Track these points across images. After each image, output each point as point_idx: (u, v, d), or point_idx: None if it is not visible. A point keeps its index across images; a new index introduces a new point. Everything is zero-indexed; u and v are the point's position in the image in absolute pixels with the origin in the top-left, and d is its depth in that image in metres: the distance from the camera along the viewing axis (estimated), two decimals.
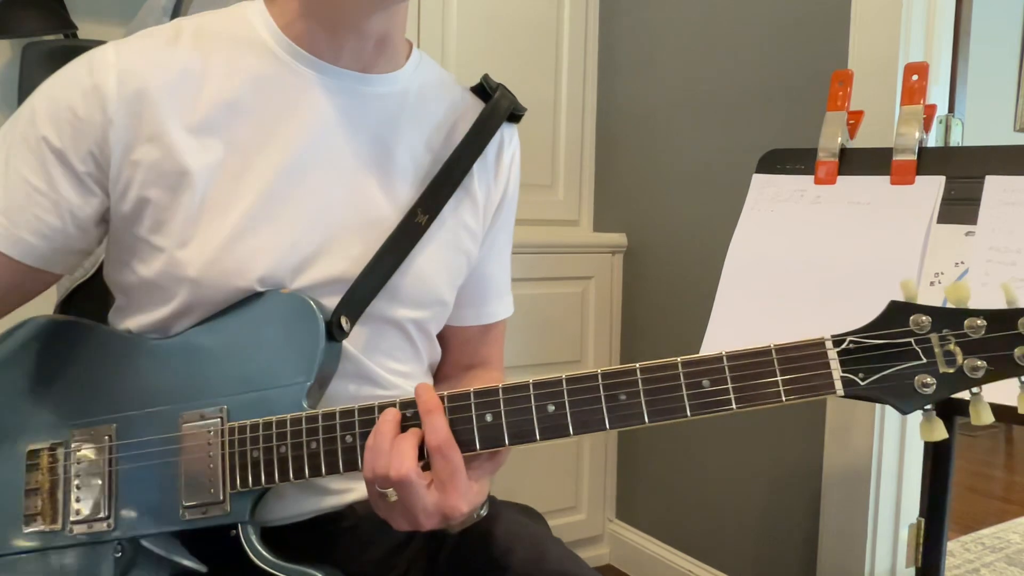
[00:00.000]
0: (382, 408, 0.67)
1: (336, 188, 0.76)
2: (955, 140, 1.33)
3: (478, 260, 0.88)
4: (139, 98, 0.71)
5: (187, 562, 0.70)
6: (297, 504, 0.77)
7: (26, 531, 0.73)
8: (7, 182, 0.71)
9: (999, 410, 0.61)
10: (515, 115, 0.86)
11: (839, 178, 1.11)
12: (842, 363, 0.60)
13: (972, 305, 0.60)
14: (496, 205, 0.88)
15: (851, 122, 1.14)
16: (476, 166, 0.83)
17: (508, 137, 0.88)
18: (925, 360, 0.59)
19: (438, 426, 0.64)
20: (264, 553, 0.69)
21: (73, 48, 1.35)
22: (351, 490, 0.79)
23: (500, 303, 0.93)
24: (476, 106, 0.86)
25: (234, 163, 0.73)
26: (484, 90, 0.87)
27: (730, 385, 0.61)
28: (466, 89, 0.88)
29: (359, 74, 0.78)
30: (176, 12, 1.21)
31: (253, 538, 0.69)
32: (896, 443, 1.47)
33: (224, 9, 0.78)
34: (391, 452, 0.63)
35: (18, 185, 0.71)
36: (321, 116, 0.76)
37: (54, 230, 0.72)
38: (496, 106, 0.84)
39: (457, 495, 0.64)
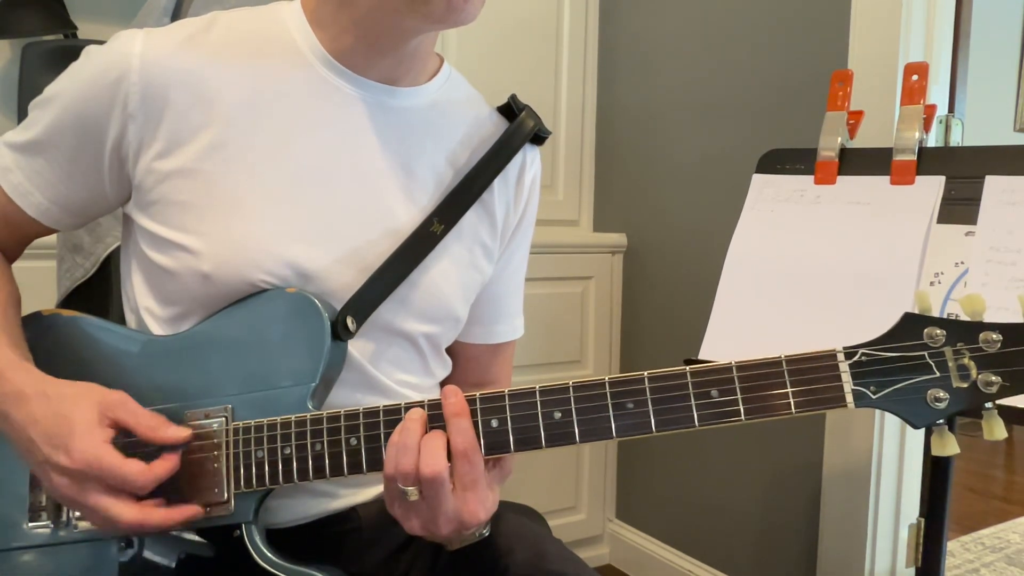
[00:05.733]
0: (387, 411, 0.67)
1: (355, 197, 0.76)
2: (955, 140, 1.33)
3: (491, 278, 0.87)
4: (162, 95, 0.71)
5: (193, 538, 0.70)
6: (302, 507, 0.77)
7: (31, 526, 0.73)
8: (41, 163, 0.75)
9: (1006, 412, 0.60)
10: (539, 136, 0.86)
11: (839, 178, 1.11)
12: (853, 376, 0.59)
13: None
14: (514, 226, 0.88)
15: (851, 122, 1.14)
16: (496, 183, 0.83)
17: (531, 159, 0.88)
18: (938, 374, 0.58)
19: (465, 429, 0.64)
20: (267, 553, 0.69)
21: (73, 48, 1.35)
22: (355, 494, 0.79)
23: (510, 324, 0.93)
24: (501, 124, 0.85)
25: (253, 166, 0.73)
26: (511, 109, 0.86)
27: (739, 396, 0.61)
28: (493, 108, 0.87)
29: (386, 86, 0.78)
30: (176, 12, 1.21)
31: (257, 538, 0.69)
32: (896, 443, 1.47)
33: (261, 7, 0.79)
34: (422, 449, 0.63)
35: (48, 167, 0.75)
36: (345, 126, 0.76)
37: (83, 206, 0.78)
38: (521, 125, 0.84)
39: (477, 501, 0.64)
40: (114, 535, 0.71)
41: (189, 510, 0.67)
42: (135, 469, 0.64)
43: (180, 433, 0.68)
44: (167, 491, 0.69)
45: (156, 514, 0.66)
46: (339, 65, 0.76)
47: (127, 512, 0.65)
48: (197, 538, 0.71)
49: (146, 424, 0.67)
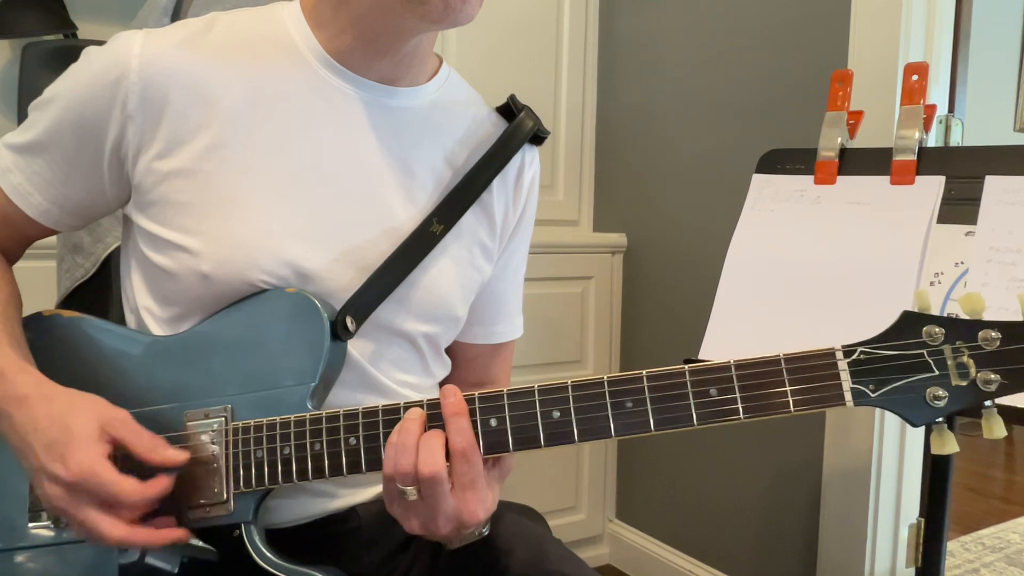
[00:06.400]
0: (386, 411, 0.67)
1: (354, 197, 0.76)
2: (955, 140, 1.33)
3: (491, 278, 0.87)
4: (161, 95, 0.71)
5: (200, 543, 0.70)
6: (302, 507, 0.77)
7: (31, 526, 0.73)
8: (41, 164, 0.75)
9: (1005, 411, 0.60)
10: (538, 136, 0.86)
11: (839, 178, 1.11)
12: (852, 374, 0.59)
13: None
14: (513, 225, 0.88)
15: (851, 122, 1.14)
16: (496, 183, 0.83)
17: (530, 159, 0.88)
18: (937, 372, 0.58)
19: (463, 429, 0.64)
20: (267, 553, 0.69)
21: (73, 48, 1.35)
22: (354, 493, 0.79)
23: (510, 324, 0.93)
24: (500, 125, 0.86)
25: (253, 166, 0.73)
26: (510, 109, 0.86)
27: (738, 394, 0.61)
28: (492, 108, 0.87)
29: (385, 86, 0.78)
30: (176, 12, 1.21)
31: (256, 538, 0.69)
32: (896, 443, 1.47)
33: (261, 8, 0.79)
34: (420, 448, 0.63)
35: (47, 168, 0.75)
36: (344, 126, 0.76)
37: (83, 207, 0.78)
38: (520, 125, 0.84)
39: (476, 500, 0.64)
40: (99, 546, 0.71)
41: (175, 532, 0.67)
42: (129, 487, 0.64)
43: (177, 456, 0.68)
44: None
45: (141, 534, 0.65)
46: (338, 65, 0.76)
47: (114, 530, 0.64)
48: (197, 538, 0.71)
49: (145, 445, 0.67)
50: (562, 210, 2.13)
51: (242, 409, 0.71)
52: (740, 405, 0.61)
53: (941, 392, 0.58)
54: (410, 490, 0.63)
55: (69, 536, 0.72)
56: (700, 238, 1.85)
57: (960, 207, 1.00)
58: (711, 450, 1.83)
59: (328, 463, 0.67)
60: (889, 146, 1.08)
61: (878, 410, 1.45)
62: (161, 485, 0.66)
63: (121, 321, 0.80)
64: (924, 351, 0.59)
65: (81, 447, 0.64)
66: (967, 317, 0.59)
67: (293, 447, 0.68)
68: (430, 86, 0.82)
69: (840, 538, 1.52)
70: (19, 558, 0.73)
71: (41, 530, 0.73)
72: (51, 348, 0.76)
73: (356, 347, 0.76)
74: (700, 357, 1.10)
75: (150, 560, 0.70)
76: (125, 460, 0.66)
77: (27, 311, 0.79)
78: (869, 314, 1.00)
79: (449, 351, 0.89)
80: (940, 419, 0.59)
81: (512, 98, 0.86)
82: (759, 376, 0.61)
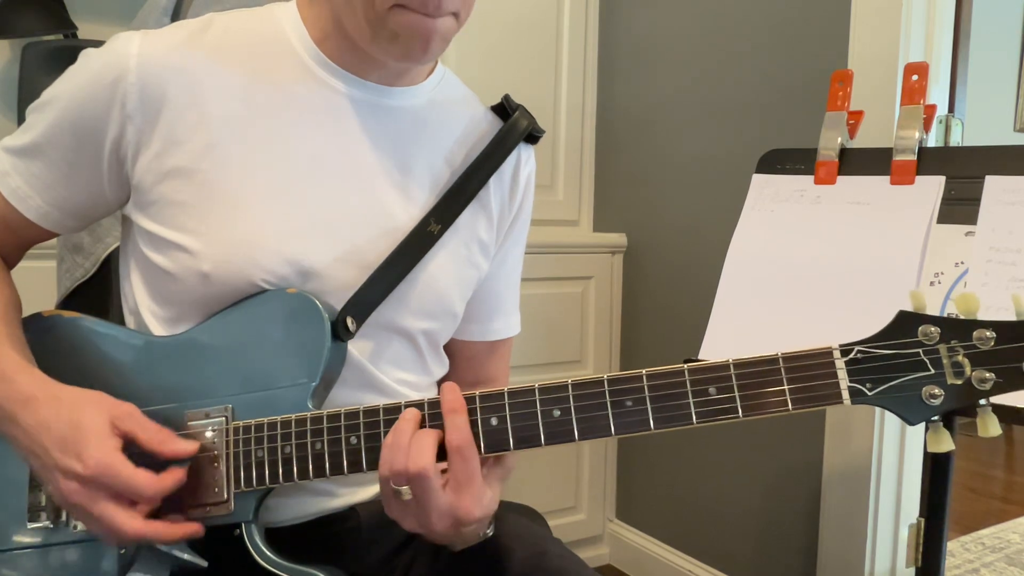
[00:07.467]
0: (387, 410, 0.67)
1: (353, 196, 0.76)
2: (955, 140, 1.33)
3: (487, 275, 0.88)
4: (159, 95, 0.71)
5: (187, 556, 0.70)
6: (301, 505, 0.77)
7: (30, 527, 0.73)
8: (40, 166, 0.75)
9: (1004, 411, 0.61)
10: (533, 136, 0.87)
11: (839, 178, 1.11)
12: (849, 373, 0.60)
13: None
14: (509, 223, 0.88)
15: (851, 122, 1.14)
16: (492, 181, 0.84)
17: (525, 158, 0.89)
18: (933, 371, 0.59)
19: (460, 425, 0.64)
20: (267, 553, 0.69)
21: (73, 48, 1.35)
22: (354, 492, 0.79)
23: (507, 321, 0.93)
24: (495, 124, 0.86)
25: (250, 165, 0.73)
26: (504, 109, 0.87)
27: (736, 393, 0.61)
28: (488, 108, 0.88)
29: (381, 87, 0.78)
30: (176, 12, 1.21)
31: (256, 538, 0.70)
32: (896, 443, 1.47)
33: (258, 9, 0.79)
34: (411, 446, 0.63)
35: (46, 170, 0.75)
36: (341, 125, 0.76)
37: (83, 209, 0.78)
38: (515, 125, 0.85)
39: (472, 498, 0.64)
40: (112, 544, 0.71)
41: (190, 527, 0.68)
42: (145, 479, 0.65)
43: (188, 447, 0.68)
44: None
45: (158, 527, 0.66)
46: (334, 65, 0.76)
47: (131, 523, 0.65)
48: (197, 537, 0.71)
49: (155, 437, 0.67)
50: (562, 210, 2.14)
51: (242, 409, 0.71)
52: (739, 404, 0.61)
53: (937, 391, 0.58)
54: (404, 489, 0.63)
55: (69, 535, 0.72)
56: (700, 238, 1.85)
57: (960, 207, 1.00)
58: (711, 450, 1.83)
59: (329, 462, 0.68)
60: (889, 146, 1.08)
61: (878, 410, 1.45)
62: (175, 476, 0.67)
63: (121, 321, 0.81)
64: (920, 350, 0.59)
65: (95, 442, 0.64)
66: (963, 317, 0.59)
67: (294, 446, 0.68)
68: (426, 85, 0.82)
69: (840, 538, 1.52)
70: (18, 558, 0.73)
71: (40, 530, 0.73)
72: (51, 348, 0.76)
73: (356, 346, 0.77)
74: (700, 357, 1.10)
75: (137, 572, 0.70)
76: (136, 456, 0.66)
77: (27, 311, 0.79)
78: (869, 314, 1.00)
79: (447, 350, 0.89)
80: (936, 417, 0.59)
81: (506, 98, 0.87)
82: (758, 375, 0.61)
